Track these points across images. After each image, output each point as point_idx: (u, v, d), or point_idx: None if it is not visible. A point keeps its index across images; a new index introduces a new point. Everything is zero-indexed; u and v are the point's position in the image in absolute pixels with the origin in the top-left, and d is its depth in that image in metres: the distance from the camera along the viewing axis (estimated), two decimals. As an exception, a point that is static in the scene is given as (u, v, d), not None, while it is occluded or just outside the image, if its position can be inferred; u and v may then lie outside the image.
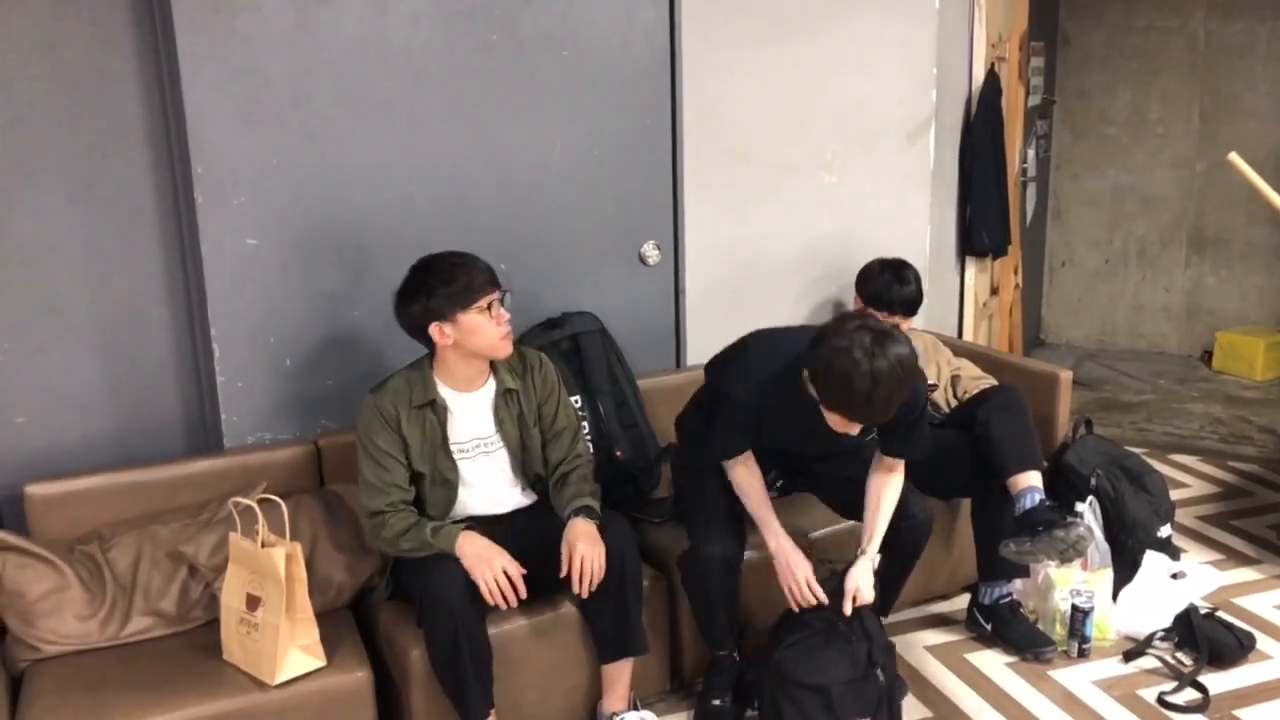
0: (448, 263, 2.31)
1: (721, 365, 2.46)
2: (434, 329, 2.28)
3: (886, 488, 2.46)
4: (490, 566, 2.20)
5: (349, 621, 2.39)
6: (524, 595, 2.24)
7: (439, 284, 2.27)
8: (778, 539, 2.44)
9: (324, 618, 2.26)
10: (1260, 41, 5.15)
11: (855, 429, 2.19)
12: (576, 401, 2.82)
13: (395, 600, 2.38)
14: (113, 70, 2.42)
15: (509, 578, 2.21)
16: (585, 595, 2.27)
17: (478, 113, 2.77)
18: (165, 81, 2.45)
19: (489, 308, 2.29)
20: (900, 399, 2.11)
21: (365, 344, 2.71)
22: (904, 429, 2.36)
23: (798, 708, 2.32)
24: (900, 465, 2.47)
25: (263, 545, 2.15)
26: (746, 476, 2.47)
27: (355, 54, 2.59)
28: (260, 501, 2.20)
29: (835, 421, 2.19)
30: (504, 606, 2.22)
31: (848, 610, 2.36)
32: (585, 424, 2.83)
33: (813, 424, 2.24)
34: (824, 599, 2.39)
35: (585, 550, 2.25)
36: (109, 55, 2.41)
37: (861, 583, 2.38)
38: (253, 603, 2.16)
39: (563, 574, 2.26)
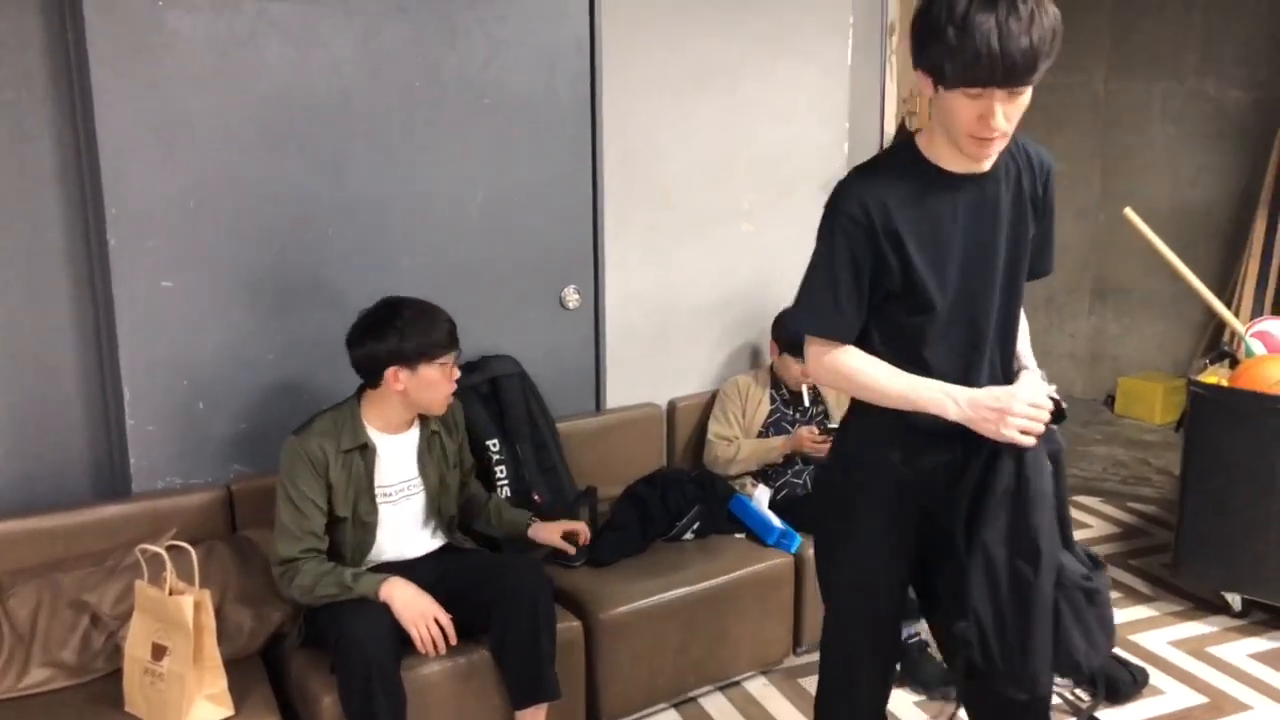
0: (425, 310, 2.33)
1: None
2: (391, 372, 2.28)
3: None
4: (423, 616, 2.22)
5: (259, 669, 2.35)
6: (455, 642, 2.25)
7: (415, 329, 2.28)
8: (949, 391, 1.70)
9: (233, 666, 2.22)
10: (1155, 100, 5.44)
11: (993, 114, 1.58)
12: (494, 445, 2.84)
13: (307, 647, 2.35)
14: (24, 107, 2.39)
15: (440, 624, 2.23)
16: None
17: (400, 157, 2.80)
18: (79, 120, 2.43)
19: (446, 365, 2.32)
20: (1044, 35, 1.53)
21: (282, 387, 2.69)
22: (1047, 215, 1.83)
23: (991, 587, 1.68)
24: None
25: (170, 593, 2.12)
26: (860, 359, 1.76)
27: (278, 97, 2.60)
28: (169, 548, 2.16)
29: (966, 118, 1.60)
30: (433, 654, 2.24)
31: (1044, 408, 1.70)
32: (503, 468, 2.84)
33: (953, 203, 1.71)
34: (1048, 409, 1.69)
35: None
36: (20, 91, 2.38)
37: (1041, 386, 1.76)
38: (158, 652, 2.11)
39: (582, 541, 2.67)
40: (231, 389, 2.63)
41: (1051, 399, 1.71)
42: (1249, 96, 5.18)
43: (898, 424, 1.78)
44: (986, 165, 1.72)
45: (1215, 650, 3.10)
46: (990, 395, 1.69)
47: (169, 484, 2.58)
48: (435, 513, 2.48)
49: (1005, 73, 1.54)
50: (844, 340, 1.76)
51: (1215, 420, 3.13)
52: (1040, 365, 1.91)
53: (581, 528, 2.70)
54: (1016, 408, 1.66)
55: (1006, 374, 1.85)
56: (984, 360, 1.80)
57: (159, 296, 2.51)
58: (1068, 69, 5.58)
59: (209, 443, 2.62)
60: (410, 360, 2.28)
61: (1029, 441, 1.67)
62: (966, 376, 1.77)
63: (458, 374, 2.38)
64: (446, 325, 2.34)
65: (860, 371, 1.75)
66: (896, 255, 1.70)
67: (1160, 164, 5.46)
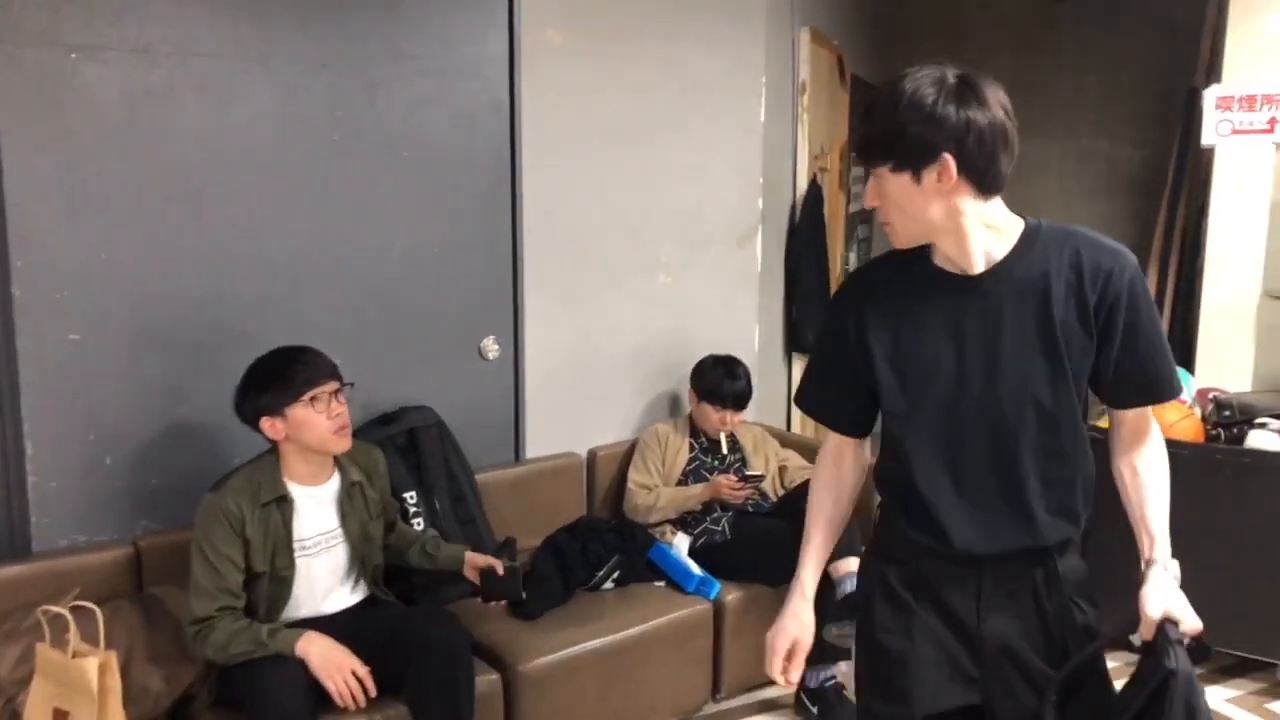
0: (284, 357, 2.34)
1: None
2: (265, 423, 2.30)
3: (1141, 460, 1.60)
4: (340, 669, 2.19)
5: (166, 733, 2.29)
6: (374, 693, 2.23)
7: (271, 379, 2.30)
8: (801, 587, 1.69)
9: (138, 730, 2.16)
10: (1053, 159, 5.71)
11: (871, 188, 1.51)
12: (412, 497, 2.83)
13: (217, 707, 2.30)
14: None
15: (357, 677, 2.20)
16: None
17: (317, 209, 2.80)
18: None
19: (314, 401, 2.30)
20: (881, 125, 1.45)
21: (193, 441, 2.64)
22: (1125, 331, 1.51)
23: None
24: (1150, 420, 1.61)
25: (73, 656, 2.05)
26: (823, 467, 1.77)
27: (194, 150, 2.58)
28: (72, 609, 2.10)
29: (871, 195, 1.52)
30: (353, 708, 2.21)
31: (1172, 661, 1.42)
32: (420, 520, 2.83)
33: (948, 305, 1.53)
34: (792, 683, 1.65)
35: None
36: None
37: (1171, 602, 1.47)
38: (60, 717, 2.05)
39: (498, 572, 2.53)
40: (141, 443, 2.58)
41: (1196, 641, 1.44)
42: (1138, 154, 5.47)
43: (895, 531, 1.62)
44: (975, 265, 1.51)
45: (1117, 686, 3.20)
46: (782, 626, 1.68)
47: (73, 542, 2.51)
48: (358, 564, 2.46)
49: (865, 124, 1.50)
50: (812, 416, 1.77)
51: (1109, 462, 3.26)
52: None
53: (498, 564, 2.60)
54: (774, 663, 1.64)
55: (1070, 517, 1.56)
56: (1028, 502, 1.53)
57: (66, 349, 2.46)
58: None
59: (116, 499, 2.56)
60: (272, 409, 2.29)
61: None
62: (1012, 520, 1.53)
63: (339, 407, 2.34)
64: (305, 366, 2.32)
65: (813, 480, 1.77)
66: (863, 355, 1.58)
67: (1059, 219, 5.67)
